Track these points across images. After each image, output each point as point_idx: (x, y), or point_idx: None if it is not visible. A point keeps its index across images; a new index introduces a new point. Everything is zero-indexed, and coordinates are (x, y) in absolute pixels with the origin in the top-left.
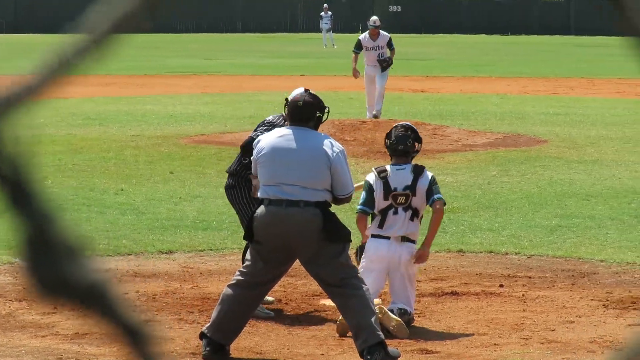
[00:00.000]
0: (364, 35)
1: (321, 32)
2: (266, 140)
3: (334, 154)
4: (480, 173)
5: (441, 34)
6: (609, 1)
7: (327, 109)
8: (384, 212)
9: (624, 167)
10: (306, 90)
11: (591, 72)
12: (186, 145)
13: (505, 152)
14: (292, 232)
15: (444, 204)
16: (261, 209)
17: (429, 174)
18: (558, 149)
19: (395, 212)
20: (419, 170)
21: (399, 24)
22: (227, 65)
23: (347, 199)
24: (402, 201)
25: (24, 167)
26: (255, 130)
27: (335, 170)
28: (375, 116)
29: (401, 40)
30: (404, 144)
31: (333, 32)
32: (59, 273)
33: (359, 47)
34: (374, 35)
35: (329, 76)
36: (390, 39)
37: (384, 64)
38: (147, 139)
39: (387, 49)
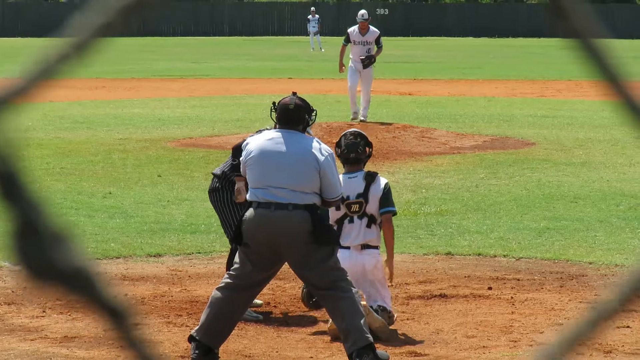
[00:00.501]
0: (353, 29)
1: (308, 35)
2: (255, 143)
3: (323, 157)
4: (468, 176)
5: (428, 37)
6: (548, 4)
7: (314, 112)
8: (339, 222)
9: (612, 169)
10: (294, 94)
11: (579, 75)
12: (174, 148)
13: (493, 155)
14: (280, 235)
15: (394, 214)
16: (250, 212)
17: (383, 181)
18: (546, 152)
19: (351, 221)
20: (371, 178)
21: (386, 27)
22: (214, 69)
23: (335, 202)
24: (356, 209)
25: (13, 160)
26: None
27: (324, 173)
28: (362, 121)
29: (388, 43)
30: (354, 151)
31: (320, 35)
32: (46, 259)
33: (347, 39)
34: (363, 30)
35: (316, 79)
36: (379, 36)
37: (366, 61)
38: (135, 142)
39: (375, 46)
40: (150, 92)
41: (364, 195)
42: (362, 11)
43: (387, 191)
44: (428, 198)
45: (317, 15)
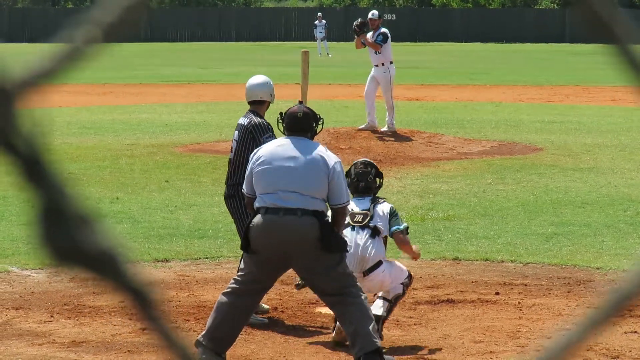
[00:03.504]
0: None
1: (315, 40)
2: (265, 149)
3: (333, 162)
4: (475, 181)
5: (436, 42)
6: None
7: (321, 120)
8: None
9: (619, 174)
10: (300, 103)
11: (586, 80)
12: (181, 153)
13: (501, 160)
14: (289, 241)
15: (407, 230)
16: (257, 218)
17: (388, 204)
18: (553, 157)
19: (353, 229)
20: (377, 199)
21: (394, 33)
22: (221, 74)
23: (342, 210)
24: (359, 219)
25: (39, 145)
26: (266, 132)
27: (332, 179)
28: (389, 129)
29: (396, 49)
30: (364, 180)
31: (327, 40)
32: (72, 241)
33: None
34: (374, 29)
35: (324, 84)
36: (383, 34)
37: (364, 27)
38: (143, 147)
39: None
40: (158, 98)
41: (369, 210)
42: (373, 11)
43: (394, 212)
44: (435, 203)
45: (324, 21)
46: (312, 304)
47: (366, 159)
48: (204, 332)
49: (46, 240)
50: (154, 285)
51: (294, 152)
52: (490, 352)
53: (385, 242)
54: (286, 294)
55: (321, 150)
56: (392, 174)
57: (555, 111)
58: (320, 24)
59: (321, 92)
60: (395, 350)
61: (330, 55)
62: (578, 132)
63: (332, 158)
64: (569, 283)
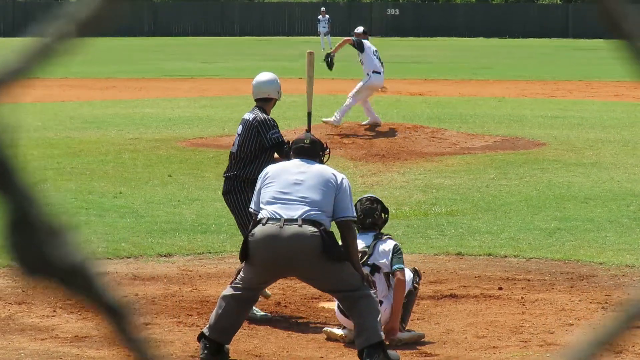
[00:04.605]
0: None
1: (319, 35)
2: (274, 167)
3: (340, 179)
4: (478, 176)
5: (439, 37)
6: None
7: (328, 150)
8: None
9: (622, 169)
10: (307, 131)
11: (589, 75)
12: (184, 148)
13: (504, 155)
14: (290, 250)
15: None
16: (258, 228)
17: (392, 241)
18: (556, 152)
19: None
20: (380, 235)
21: (397, 27)
22: (224, 69)
23: (348, 224)
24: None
25: (7, 152)
26: (272, 128)
27: (339, 191)
28: (334, 122)
29: (399, 44)
30: (371, 216)
31: (331, 35)
32: (42, 253)
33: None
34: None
35: (327, 79)
36: (358, 42)
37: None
38: (146, 142)
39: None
40: (161, 92)
41: (370, 247)
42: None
43: (397, 250)
44: (438, 198)
45: (327, 16)
46: (316, 298)
47: (371, 195)
48: (207, 325)
49: (15, 253)
50: (127, 300)
51: (303, 168)
52: (493, 347)
53: (387, 279)
54: (289, 288)
55: (329, 169)
56: (395, 169)
57: (559, 106)
58: (323, 19)
59: (324, 87)
60: (399, 345)
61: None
62: (581, 127)
63: (340, 174)
64: (571, 278)
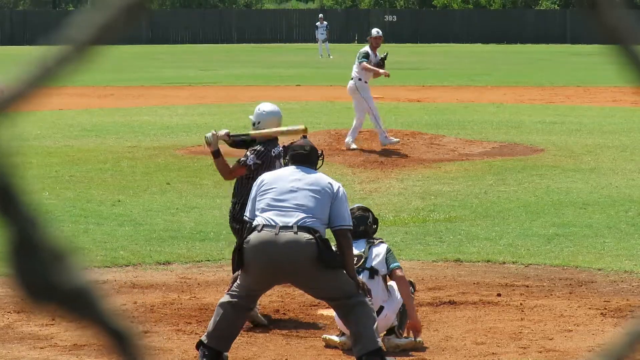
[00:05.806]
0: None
1: (317, 42)
2: (269, 174)
3: (337, 187)
4: (477, 182)
5: (437, 44)
6: (586, 9)
7: (322, 155)
8: None
9: (620, 175)
10: (304, 137)
11: (587, 81)
12: (183, 156)
13: (502, 161)
14: (286, 257)
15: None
16: (253, 234)
17: (385, 244)
18: (555, 158)
19: None
20: (372, 240)
21: (395, 34)
22: (222, 76)
23: (344, 233)
24: (354, 262)
25: (10, 174)
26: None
27: (335, 199)
28: (348, 145)
29: (397, 50)
30: (364, 224)
31: (329, 42)
32: (45, 278)
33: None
34: (376, 48)
35: (325, 86)
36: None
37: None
38: (144, 150)
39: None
40: (159, 100)
41: (365, 252)
42: (377, 29)
43: (390, 251)
44: (437, 205)
45: (325, 22)
46: (314, 306)
47: (360, 205)
48: (206, 333)
49: (18, 278)
50: (132, 323)
51: (299, 175)
52: (493, 353)
53: (385, 281)
54: (288, 296)
55: (326, 176)
56: (393, 176)
57: (557, 112)
58: (321, 26)
59: (322, 94)
60: (397, 352)
61: (331, 57)
62: (579, 133)
63: (336, 183)
64: (570, 284)
